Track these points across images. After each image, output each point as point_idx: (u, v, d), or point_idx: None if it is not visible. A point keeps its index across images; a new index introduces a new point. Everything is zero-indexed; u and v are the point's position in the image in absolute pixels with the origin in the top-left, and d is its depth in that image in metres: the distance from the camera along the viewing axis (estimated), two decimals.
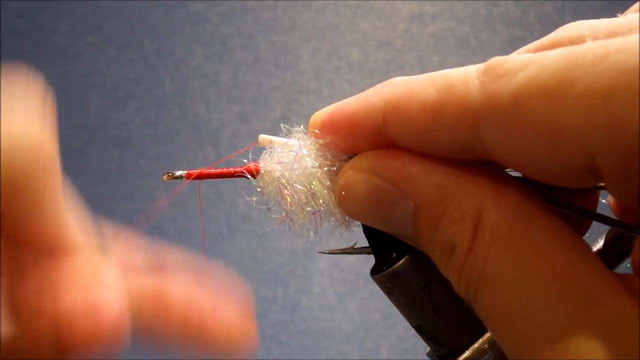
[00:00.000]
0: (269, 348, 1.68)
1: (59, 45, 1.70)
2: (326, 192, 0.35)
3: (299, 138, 0.36)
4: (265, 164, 0.36)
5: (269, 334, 1.68)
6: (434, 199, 0.30)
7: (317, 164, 0.35)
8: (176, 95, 1.70)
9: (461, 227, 0.29)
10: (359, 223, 0.35)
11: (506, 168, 0.31)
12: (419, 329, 0.36)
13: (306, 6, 1.83)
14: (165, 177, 0.36)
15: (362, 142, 0.33)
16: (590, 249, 0.28)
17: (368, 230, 0.36)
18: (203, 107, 1.74)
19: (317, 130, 0.34)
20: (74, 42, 1.71)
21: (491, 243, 0.28)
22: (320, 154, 0.35)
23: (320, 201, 0.35)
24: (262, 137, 0.37)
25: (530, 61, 0.26)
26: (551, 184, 0.28)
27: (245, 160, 0.36)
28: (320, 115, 0.34)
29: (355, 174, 0.33)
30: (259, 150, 0.37)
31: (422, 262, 0.34)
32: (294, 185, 0.35)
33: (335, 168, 0.35)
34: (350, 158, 0.34)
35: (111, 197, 1.64)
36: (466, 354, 0.34)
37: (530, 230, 0.28)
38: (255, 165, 0.36)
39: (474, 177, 0.30)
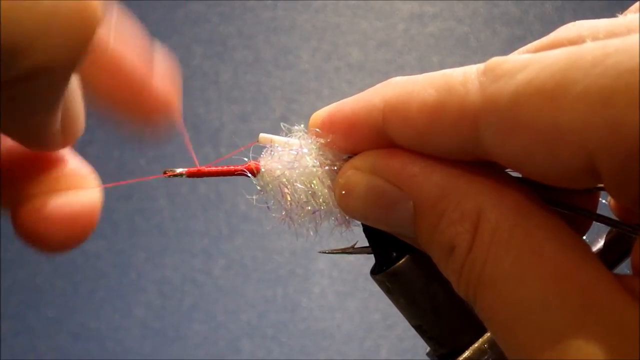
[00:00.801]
0: (269, 348, 1.68)
1: None
2: (326, 191, 0.35)
3: (300, 137, 0.36)
4: (266, 162, 0.36)
5: (269, 334, 1.68)
6: (434, 199, 0.30)
7: (318, 163, 0.35)
8: None
9: (461, 228, 0.29)
10: (359, 222, 0.35)
11: (506, 168, 0.31)
12: (419, 328, 0.36)
13: (306, 6, 1.83)
14: (165, 174, 0.36)
15: (362, 141, 0.33)
16: (590, 249, 0.28)
17: (368, 230, 0.36)
18: (203, 107, 1.74)
19: (317, 130, 0.34)
20: None
21: (491, 244, 0.28)
22: (320, 153, 0.35)
23: (321, 200, 0.35)
24: (262, 136, 0.37)
25: (530, 62, 0.26)
26: (551, 184, 0.28)
27: (246, 159, 0.36)
28: (320, 114, 0.34)
29: (356, 174, 0.33)
30: (259, 150, 0.37)
31: (422, 261, 0.34)
32: (294, 184, 0.35)
33: (335, 167, 0.35)
34: (350, 157, 0.34)
35: (111, 197, 1.64)
36: (466, 354, 0.34)
37: (530, 230, 0.28)
38: (255, 164, 0.36)
39: (473, 177, 0.30)
